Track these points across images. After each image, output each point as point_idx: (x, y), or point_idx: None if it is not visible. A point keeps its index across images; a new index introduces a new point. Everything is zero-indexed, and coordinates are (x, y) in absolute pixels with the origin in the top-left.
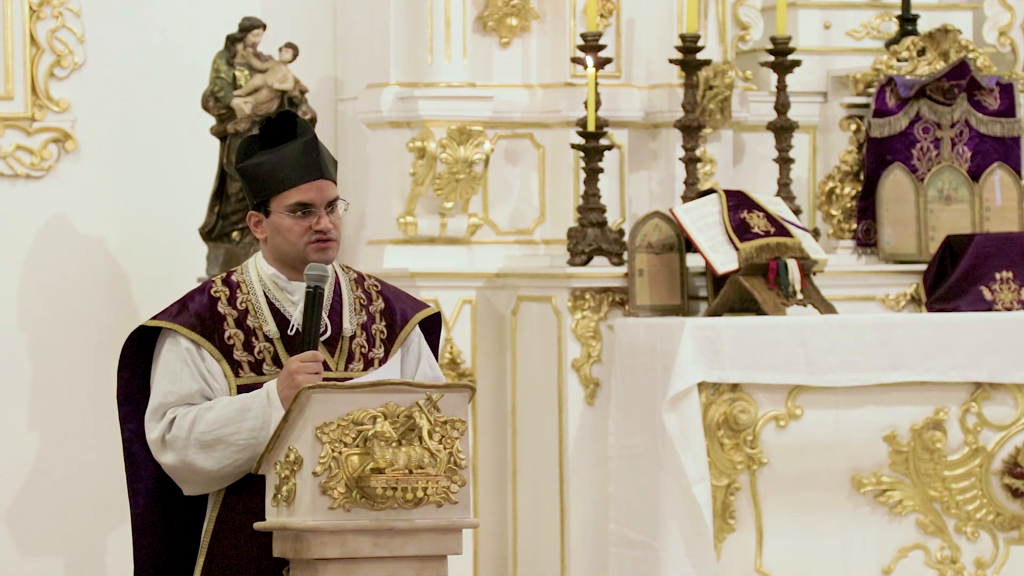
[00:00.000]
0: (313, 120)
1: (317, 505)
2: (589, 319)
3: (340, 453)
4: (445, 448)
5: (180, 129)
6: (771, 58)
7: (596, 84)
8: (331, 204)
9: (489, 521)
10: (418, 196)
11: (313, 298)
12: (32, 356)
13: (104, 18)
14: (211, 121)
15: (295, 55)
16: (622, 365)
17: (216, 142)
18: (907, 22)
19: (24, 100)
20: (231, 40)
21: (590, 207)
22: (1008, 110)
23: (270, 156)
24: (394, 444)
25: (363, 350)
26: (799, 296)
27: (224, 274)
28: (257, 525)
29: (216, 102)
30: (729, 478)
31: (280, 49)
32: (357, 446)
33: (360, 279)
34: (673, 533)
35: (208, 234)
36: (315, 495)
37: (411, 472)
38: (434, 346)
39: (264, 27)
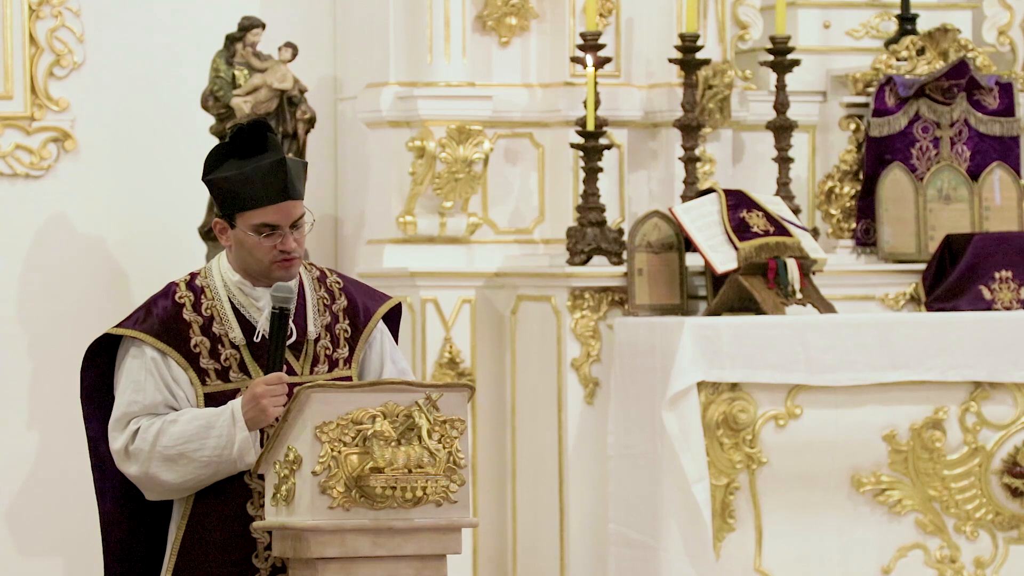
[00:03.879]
0: (312, 120)
1: (316, 504)
2: (588, 318)
3: (339, 452)
4: (444, 447)
5: (179, 128)
6: (770, 57)
7: (595, 83)
8: (297, 221)
9: (488, 520)
10: (417, 196)
11: (279, 319)
12: (31, 355)
13: (103, 18)
14: (210, 120)
15: (294, 54)
16: (621, 364)
17: (215, 141)
18: (906, 21)
19: (23, 99)
20: (230, 39)
21: (589, 206)
22: (1007, 109)
23: (237, 172)
24: (393, 443)
25: (327, 352)
26: (798, 295)
27: (188, 277)
28: (256, 524)
29: (215, 101)
30: (728, 477)
31: (279, 48)
32: (356, 445)
33: (323, 277)
34: (672, 532)
35: (207, 233)
36: (314, 494)
37: (410, 471)
38: (394, 332)
39: (263, 26)
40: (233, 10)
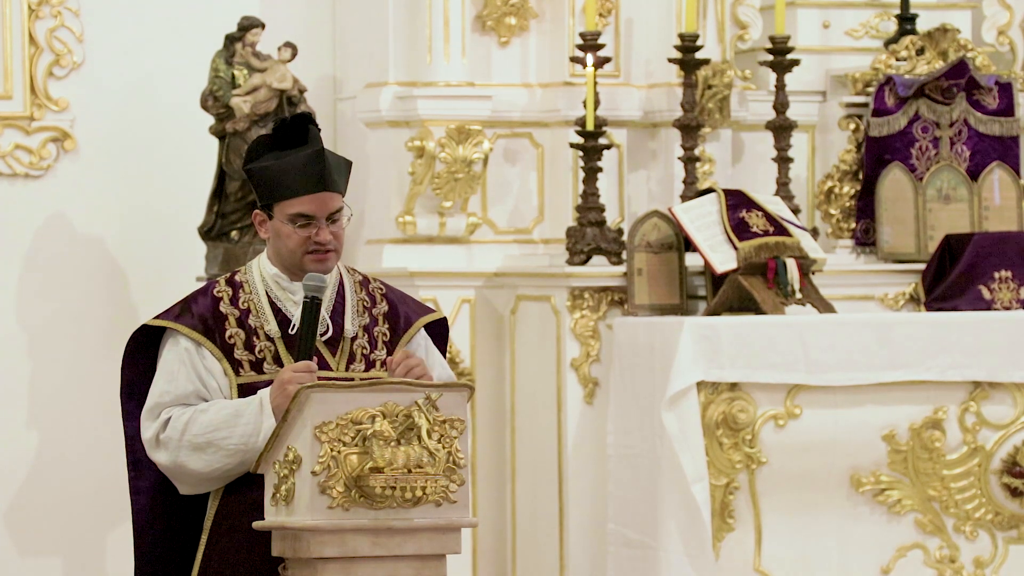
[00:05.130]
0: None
1: (316, 504)
2: (588, 318)
3: (339, 452)
4: (444, 447)
5: (179, 128)
6: (770, 57)
7: (595, 83)
8: (334, 214)
9: (488, 520)
10: (417, 195)
11: (310, 309)
12: (31, 355)
13: (103, 17)
14: (210, 120)
15: (294, 54)
16: (621, 364)
17: (215, 141)
18: (906, 21)
19: (23, 99)
20: (230, 39)
21: (589, 206)
22: (1007, 109)
23: (276, 162)
24: (393, 443)
25: (364, 351)
26: (798, 295)
27: (229, 274)
28: (256, 524)
29: (215, 101)
30: (728, 477)
31: (279, 48)
32: (356, 445)
33: (365, 281)
34: (672, 532)
35: (207, 233)
36: (314, 494)
37: (410, 471)
38: (441, 351)
39: (263, 26)
40: (233, 10)
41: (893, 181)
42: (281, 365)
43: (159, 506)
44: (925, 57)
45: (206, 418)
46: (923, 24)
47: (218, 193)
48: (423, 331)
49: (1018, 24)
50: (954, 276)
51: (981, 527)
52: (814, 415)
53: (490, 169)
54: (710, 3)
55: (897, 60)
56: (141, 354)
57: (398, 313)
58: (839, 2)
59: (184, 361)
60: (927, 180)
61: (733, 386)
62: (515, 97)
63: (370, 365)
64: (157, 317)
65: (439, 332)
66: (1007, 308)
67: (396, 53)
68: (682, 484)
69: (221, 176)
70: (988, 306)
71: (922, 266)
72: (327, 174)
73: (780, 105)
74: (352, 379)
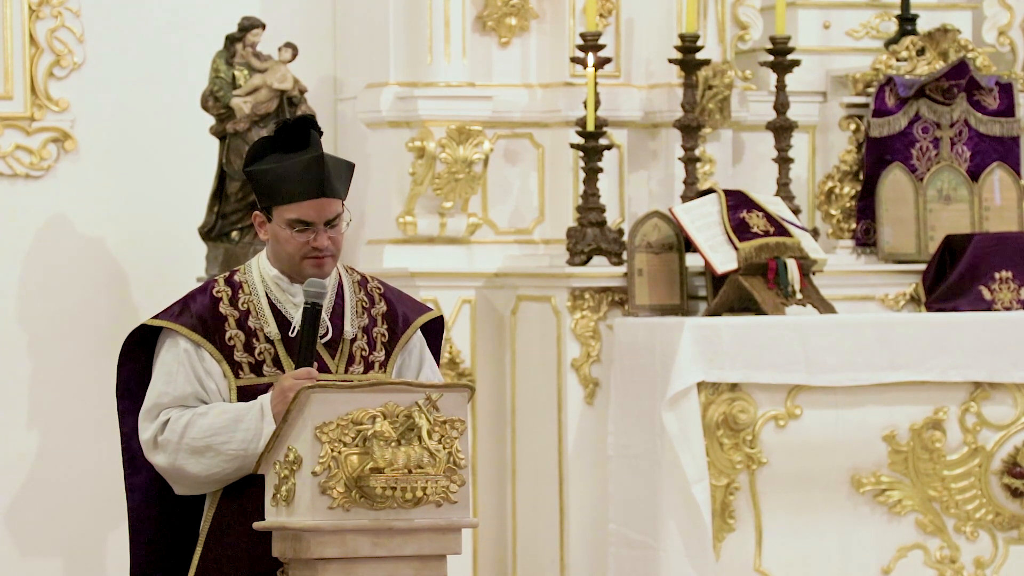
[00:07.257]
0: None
1: (316, 505)
2: (588, 319)
3: (339, 453)
4: (444, 448)
5: (179, 129)
6: (770, 58)
7: (595, 84)
8: (332, 220)
9: (488, 521)
10: (417, 196)
11: (310, 315)
12: (31, 355)
13: (103, 18)
14: (210, 121)
15: (294, 55)
16: (621, 365)
17: (215, 142)
18: (906, 22)
19: (23, 100)
20: (230, 40)
21: (589, 207)
22: (1007, 110)
23: (276, 165)
24: (393, 444)
25: (363, 353)
26: (798, 296)
27: (227, 273)
28: (257, 525)
29: (215, 102)
30: (728, 478)
31: (279, 49)
32: (356, 446)
33: (363, 281)
34: (672, 533)
35: (207, 234)
36: (314, 495)
37: (410, 472)
38: (435, 349)
39: (263, 27)
40: (233, 10)
41: (893, 182)
42: (281, 368)
43: (154, 504)
44: (925, 57)
45: (206, 422)
46: (923, 24)
47: (218, 194)
48: (419, 332)
49: (1018, 24)
50: (955, 277)
51: (982, 527)
52: (815, 415)
53: (491, 169)
54: (711, 3)
55: (897, 60)
56: (137, 352)
57: (396, 313)
58: (839, 2)
59: (183, 362)
60: (927, 180)
61: (734, 386)
62: (516, 97)
63: (369, 367)
64: (156, 317)
65: (435, 329)
66: (1007, 308)
67: (397, 53)
68: (683, 484)
69: (221, 177)
70: (988, 306)
71: (922, 267)
72: (326, 180)
73: (780, 105)
74: (351, 381)
